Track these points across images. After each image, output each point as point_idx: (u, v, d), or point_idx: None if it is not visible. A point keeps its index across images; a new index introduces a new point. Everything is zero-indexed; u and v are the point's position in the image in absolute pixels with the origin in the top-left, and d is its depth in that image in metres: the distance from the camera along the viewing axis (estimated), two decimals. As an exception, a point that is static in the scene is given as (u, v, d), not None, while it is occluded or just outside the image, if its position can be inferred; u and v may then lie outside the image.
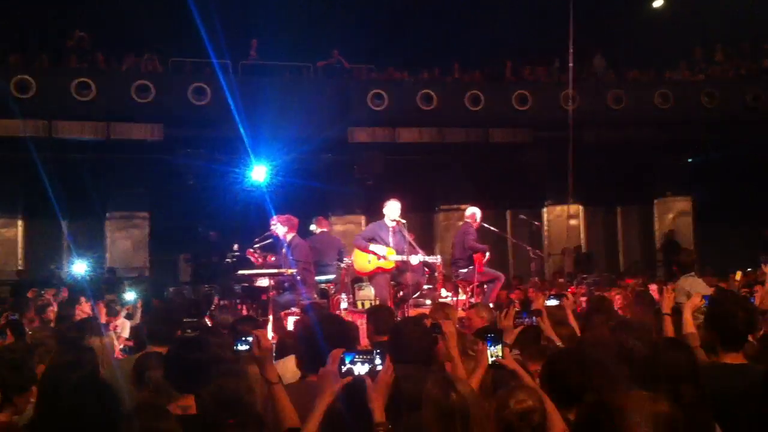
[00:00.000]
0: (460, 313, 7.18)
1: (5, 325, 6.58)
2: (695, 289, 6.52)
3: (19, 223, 17.12)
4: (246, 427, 3.22)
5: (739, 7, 17.07)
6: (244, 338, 3.92)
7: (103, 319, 7.63)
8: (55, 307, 9.41)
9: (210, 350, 4.07)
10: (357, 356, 3.10)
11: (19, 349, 4.86)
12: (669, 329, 4.89)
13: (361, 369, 3.06)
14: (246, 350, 3.86)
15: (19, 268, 16.56)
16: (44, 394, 3.65)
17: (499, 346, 3.73)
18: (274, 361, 4.83)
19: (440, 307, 6.09)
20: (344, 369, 3.07)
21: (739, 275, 13.44)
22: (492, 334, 3.82)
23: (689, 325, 4.66)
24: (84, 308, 7.63)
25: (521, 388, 3.32)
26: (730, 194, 19.05)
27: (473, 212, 11.11)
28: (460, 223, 11.92)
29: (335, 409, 3.05)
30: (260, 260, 10.37)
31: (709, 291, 6.76)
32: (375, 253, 9.64)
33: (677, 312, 4.98)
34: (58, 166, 14.17)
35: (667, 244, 18.96)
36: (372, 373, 3.02)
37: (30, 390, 3.91)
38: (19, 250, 17.04)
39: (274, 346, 5.42)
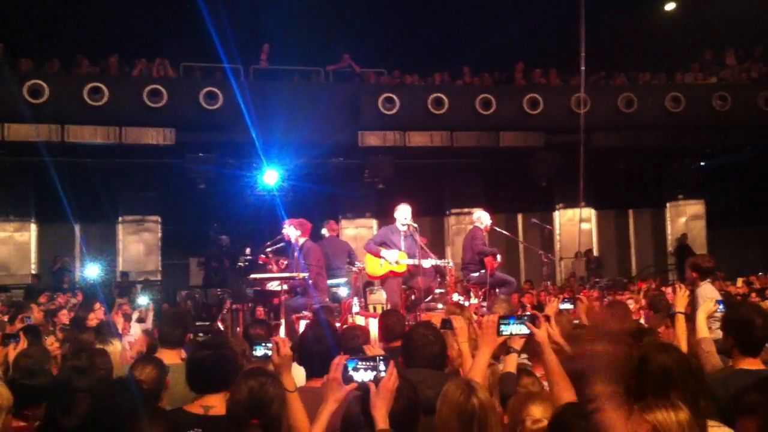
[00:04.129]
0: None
1: (21, 329, 6.57)
2: (713, 297, 6.47)
3: (32, 227, 17.22)
4: (267, 429, 3.21)
5: (751, 10, 17.00)
6: (263, 343, 3.84)
7: (119, 324, 7.65)
8: (67, 311, 9.43)
9: (231, 350, 4.04)
10: (360, 363, 3.06)
11: (35, 355, 4.88)
12: (681, 329, 4.86)
13: (364, 376, 3.02)
14: (264, 356, 3.80)
15: (32, 272, 16.64)
16: (57, 398, 3.65)
17: (522, 326, 3.69)
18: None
19: (454, 307, 6.08)
20: (348, 376, 3.04)
21: (740, 282, 13.44)
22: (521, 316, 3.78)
23: (702, 330, 4.63)
24: (98, 313, 7.64)
25: (534, 400, 3.30)
26: (742, 198, 18.99)
27: (479, 215, 11.07)
28: (470, 226, 11.86)
29: (351, 415, 3.04)
30: (272, 264, 10.39)
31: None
32: (386, 259, 9.66)
33: (691, 318, 4.94)
34: (70, 170, 14.23)
35: (679, 248, 18.92)
36: (376, 380, 2.99)
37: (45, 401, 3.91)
38: (33, 255, 17.14)
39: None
